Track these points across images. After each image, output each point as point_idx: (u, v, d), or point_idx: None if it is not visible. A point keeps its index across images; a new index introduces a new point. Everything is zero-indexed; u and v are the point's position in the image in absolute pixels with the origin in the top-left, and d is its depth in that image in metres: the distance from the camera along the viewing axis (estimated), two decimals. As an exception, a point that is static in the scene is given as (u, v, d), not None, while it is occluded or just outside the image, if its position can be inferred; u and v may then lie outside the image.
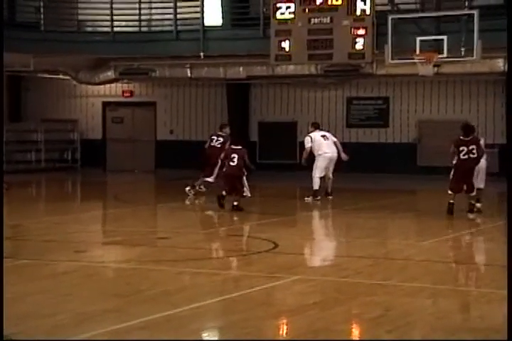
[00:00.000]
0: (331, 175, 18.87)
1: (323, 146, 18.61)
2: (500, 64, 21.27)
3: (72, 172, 27.29)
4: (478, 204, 16.52)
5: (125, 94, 28.06)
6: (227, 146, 17.43)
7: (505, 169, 22.81)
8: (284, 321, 8.08)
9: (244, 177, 16.39)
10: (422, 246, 12.86)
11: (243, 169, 16.32)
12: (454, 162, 15.72)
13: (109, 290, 9.20)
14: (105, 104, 28.33)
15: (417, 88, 24.45)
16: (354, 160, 21.05)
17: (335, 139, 19.12)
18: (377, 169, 24.21)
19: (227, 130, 19.20)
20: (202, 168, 19.12)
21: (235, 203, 16.28)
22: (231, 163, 16.23)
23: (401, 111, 24.53)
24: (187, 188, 19.25)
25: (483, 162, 16.34)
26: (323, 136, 18.84)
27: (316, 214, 17.40)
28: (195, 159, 26.04)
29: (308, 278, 9.85)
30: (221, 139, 18.96)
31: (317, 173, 18.48)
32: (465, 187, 15.71)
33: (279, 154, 25.30)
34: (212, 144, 19.09)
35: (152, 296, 8.82)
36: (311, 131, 19.06)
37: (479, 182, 16.37)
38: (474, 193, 15.81)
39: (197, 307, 8.31)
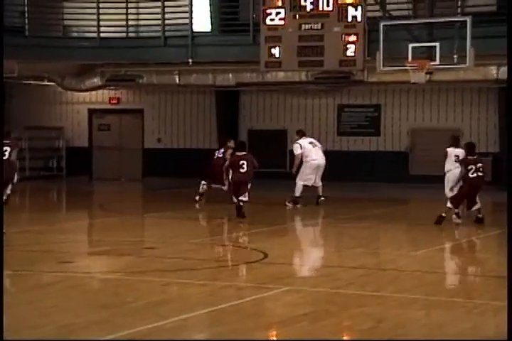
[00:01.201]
0: (320, 183, 19.10)
1: (312, 153, 19.04)
2: (493, 71, 21.17)
3: (57, 181, 27.05)
4: (477, 206, 16.63)
5: (112, 101, 27.83)
6: (227, 155, 17.73)
7: (499, 178, 22.82)
8: (274, 333, 8.00)
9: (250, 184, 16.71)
10: (415, 256, 12.78)
11: (252, 175, 16.66)
12: (462, 181, 16.05)
13: (95, 301, 9.07)
14: (91, 111, 28.09)
15: (409, 96, 24.33)
16: (345, 169, 20.94)
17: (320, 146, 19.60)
18: (369, 178, 24.05)
19: (232, 144, 19.23)
20: (211, 178, 19.40)
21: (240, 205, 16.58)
22: (241, 170, 16.49)
23: (393, 119, 24.34)
24: (196, 197, 19.64)
25: (457, 171, 16.57)
26: (311, 143, 19.28)
27: (306, 223, 17.24)
28: (183, 167, 25.93)
29: (299, 289, 9.74)
30: (222, 149, 19.55)
31: (301, 180, 18.83)
32: (467, 203, 16.08)
33: (268, 162, 25.02)
34: (220, 156, 19.54)
35: (139, 307, 8.70)
36: (298, 139, 19.43)
37: (454, 191, 16.63)
38: (477, 207, 16.08)
39: (185, 318, 8.20)
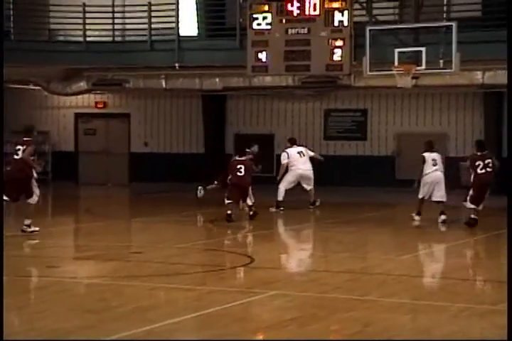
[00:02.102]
0: (308, 187, 19.38)
1: (299, 163, 19.37)
2: (479, 76, 21.24)
3: (43, 186, 26.81)
4: (442, 217, 16.92)
5: (98, 106, 27.76)
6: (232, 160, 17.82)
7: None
8: (262, 337, 7.99)
9: (250, 187, 17.04)
10: (402, 260, 12.79)
11: (250, 179, 17.05)
12: (472, 177, 16.22)
13: (81, 306, 9.01)
14: (78, 116, 28.01)
15: (396, 100, 24.37)
16: (332, 173, 20.95)
17: (312, 154, 19.75)
18: (355, 182, 24.05)
19: (255, 148, 19.52)
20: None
21: (250, 213, 17.02)
22: (238, 174, 16.89)
23: (379, 124, 24.37)
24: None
25: (441, 175, 16.97)
26: (299, 152, 19.51)
27: (293, 228, 17.23)
28: (170, 172, 25.90)
29: (286, 294, 9.72)
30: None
31: (283, 185, 19.20)
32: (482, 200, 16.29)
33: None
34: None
35: (126, 312, 8.66)
36: (288, 147, 19.71)
37: (442, 195, 16.99)
38: (481, 207, 16.26)
39: (172, 323, 8.16)
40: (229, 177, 17.22)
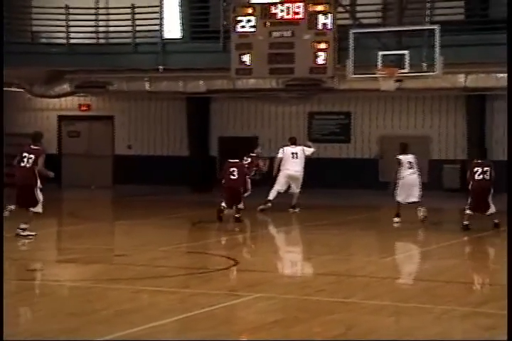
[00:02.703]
0: (296, 190, 19.47)
1: (288, 163, 19.39)
2: (462, 79, 21.33)
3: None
4: (421, 213, 17.14)
5: (82, 108, 27.67)
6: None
7: (466, 185, 22.96)
8: (245, 339, 7.98)
9: (242, 190, 17.07)
10: (385, 262, 12.85)
11: (243, 182, 17.14)
12: (470, 184, 16.22)
13: (64, 309, 8.99)
14: (61, 118, 27.91)
15: (379, 103, 24.42)
16: (316, 176, 20.97)
17: (308, 152, 19.74)
18: (339, 185, 24.08)
19: (259, 150, 20.24)
20: None
21: (237, 215, 16.79)
22: (231, 177, 16.82)
23: (363, 127, 24.41)
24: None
25: (417, 177, 17.16)
26: (293, 153, 19.53)
27: (277, 230, 17.25)
28: (154, 174, 25.86)
29: (270, 296, 9.71)
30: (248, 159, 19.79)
31: (276, 187, 19.34)
32: (481, 207, 16.19)
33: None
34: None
35: (109, 315, 8.64)
36: (287, 145, 19.83)
37: (417, 196, 17.15)
38: (492, 211, 16.15)
39: (156, 326, 8.15)
40: (223, 180, 17.18)
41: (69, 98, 26.74)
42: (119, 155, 27.17)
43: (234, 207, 16.91)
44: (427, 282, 10.96)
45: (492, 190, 16.12)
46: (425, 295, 10.05)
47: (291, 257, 13.94)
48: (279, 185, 19.36)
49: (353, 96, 24.09)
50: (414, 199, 17.23)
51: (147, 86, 23.88)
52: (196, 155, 25.90)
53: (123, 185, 26.18)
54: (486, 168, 16.07)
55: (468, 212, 16.11)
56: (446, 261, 12.88)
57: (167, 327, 8.25)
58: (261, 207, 19.08)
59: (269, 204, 19.12)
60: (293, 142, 19.84)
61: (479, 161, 16.43)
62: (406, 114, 24.21)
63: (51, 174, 14.78)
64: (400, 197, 17.25)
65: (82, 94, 26.29)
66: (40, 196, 14.51)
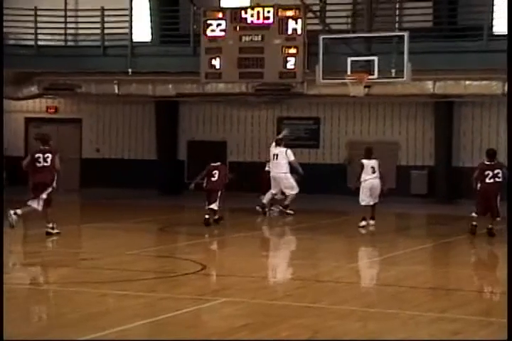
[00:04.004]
0: (286, 191, 19.71)
1: (271, 165, 19.81)
2: (430, 86, 21.48)
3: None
4: (371, 222, 17.48)
5: (49, 110, 27.49)
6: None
7: (433, 191, 23.14)
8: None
9: (220, 192, 17.32)
10: (352, 268, 12.91)
11: (223, 184, 17.45)
12: (478, 186, 16.02)
13: (30, 313, 8.96)
14: (28, 120, 27.71)
15: (348, 109, 24.50)
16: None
17: (291, 159, 19.97)
18: (308, 189, 24.06)
19: (286, 132, 20.55)
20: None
21: (215, 217, 17.27)
22: (212, 179, 17.35)
23: (332, 132, 24.49)
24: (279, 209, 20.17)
25: (378, 182, 17.44)
26: (274, 155, 19.79)
27: (245, 235, 17.22)
28: (122, 178, 25.75)
29: (237, 301, 9.72)
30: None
31: (270, 191, 19.76)
32: (490, 211, 15.97)
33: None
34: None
35: (75, 319, 8.59)
36: (272, 145, 20.16)
37: (374, 199, 17.53)
38: (499, 218, 15.99)
39: (122, 330, 8.12)
40: (204, 183, 17.58)
41: (37, 100, 26.58)
42: (86, 158, 27.03)
43: (207, 208, 17.14)
44: (394, 287, 10.99)
45: (500, 193, 15.89)
46: (392, 300, 10.09)
47: (259, 262, 13.92)
48: (272, 188, 19.64)
49: (322, 101, 24.15)
50: (376, 200, 17.61)
51: (116, 89, 23.79)
52: (164, 159, 25.84)
53: (90, 189, 26.04)
54: (496, 171, 15.88)
55: (473, 214, 15.97)
56: (413, 267, 12.93)
57: (134, 331, 8.21)
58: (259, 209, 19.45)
59: (266, 210, 19.44)
60: (277, 143, 19.99)
61: (488, 163, 16.07)
62: (375, 119, 24.31)
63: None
64: (364, 201, 17.54)
65: (50, 97, 26.12)
66: (45, 195, 15.30)
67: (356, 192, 17.63)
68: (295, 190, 19.58)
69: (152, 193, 24.58)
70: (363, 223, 17.41)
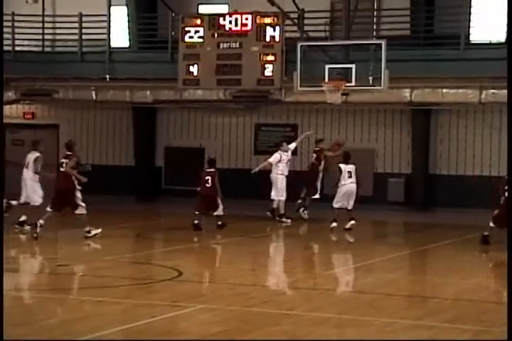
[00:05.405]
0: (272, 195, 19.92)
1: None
2: (407, 94, 21.57)
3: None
4: (352, 222, 17.62)
5: (26, 116, 27.37)
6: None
7: (410, 198, 23.21)
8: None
9: (219, 198, 17.54)
10: (328, 275, 12.95)
11: (218, 189, 17.58)
12: (502, 198, 15.64)
13: (7, 319, 8.77)
14: (5, 126, 27.52)
15: (325, 116, 24.53)
16: (261, 188, 20.97)
17: (291, 146, 20.43)
18: (288, 197, 24.04)
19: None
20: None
21: (219, 223, 17.56)
22: (206, 185, 17.60)
23: (309, 139, 24.52)
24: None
25: (355, 186, 17.72)
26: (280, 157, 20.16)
27: (222, 241, 17.21)
28: (99, 184, 25.64)
29: (213, 307, 9.70)
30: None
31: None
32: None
33: (185, 180, 25.00)
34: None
35: (52, 325, 8.56)
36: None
37: (352, 205, 17.76)
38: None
39: (99, 336, 8.10)
40: (198, 188, 17.74)
41: (13, 106, 26.43)
42: (63, 164, 26.87)
43: (211, 214, 17.47)
44: (370, 294, 11.02)
45: None
46: (367, 307, 10.11)
47: (235, 268, 13.90)
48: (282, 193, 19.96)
49: (300, 108, 24.20)
50: (350, 207, 17.78)
51: (93, 95, 23.73)
52: (142, 165, 25.79)
53: (67, 194, 25.87)
54: None
55: (491, 225, 15.77)
56: (389, 274, 12.98)
57: (110, 337, 8.18)
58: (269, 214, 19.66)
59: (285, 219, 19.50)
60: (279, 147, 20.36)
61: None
62: (352, 127, 24.37)
63: (82, 179, 16.14)
64: (338, 204, 17.80)
65: (26, 102, 26.02)
66: (78, 198, 16.10)
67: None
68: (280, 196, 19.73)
69: (129, 199, 24.51)
70: (334, 224, 17.61)
